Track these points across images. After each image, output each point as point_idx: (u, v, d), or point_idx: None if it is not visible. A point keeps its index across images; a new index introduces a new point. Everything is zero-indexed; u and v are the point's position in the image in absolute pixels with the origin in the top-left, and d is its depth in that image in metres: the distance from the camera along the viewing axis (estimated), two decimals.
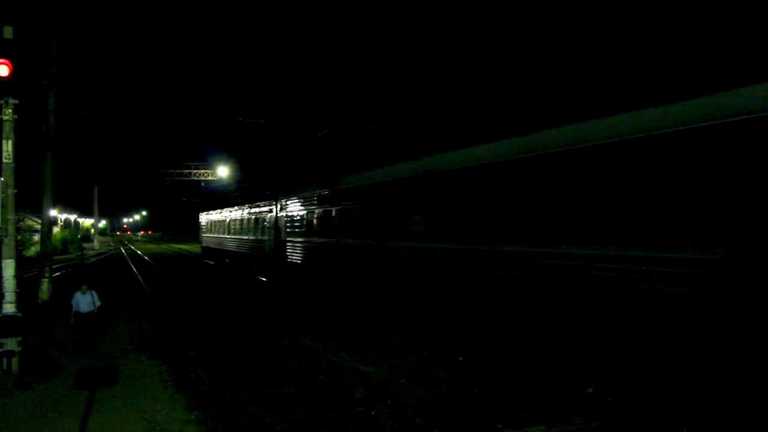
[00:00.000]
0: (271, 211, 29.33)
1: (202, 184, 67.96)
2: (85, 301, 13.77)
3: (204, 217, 53.67)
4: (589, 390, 9.53)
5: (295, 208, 25.14)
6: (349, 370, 11.55)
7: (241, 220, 36.80)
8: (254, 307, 20.04)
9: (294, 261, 25.09)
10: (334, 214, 20.68)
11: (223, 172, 62.99)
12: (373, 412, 8.93)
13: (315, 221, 22.58)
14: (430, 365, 11.74)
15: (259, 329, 15.92)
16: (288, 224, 26.08)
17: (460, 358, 12.12)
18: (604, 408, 8.85)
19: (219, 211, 45.94)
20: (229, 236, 40.98)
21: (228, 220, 41.51)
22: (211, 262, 45.58)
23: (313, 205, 22.71)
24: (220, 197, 59.61)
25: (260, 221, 31.72)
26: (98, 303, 13.97)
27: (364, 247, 18.33)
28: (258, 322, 17.07)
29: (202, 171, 65.84)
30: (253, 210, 33.82)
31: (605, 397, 9.23)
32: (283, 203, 27.12)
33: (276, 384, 10.67)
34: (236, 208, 39.34)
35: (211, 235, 49.07)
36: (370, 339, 14.40)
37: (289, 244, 25.79)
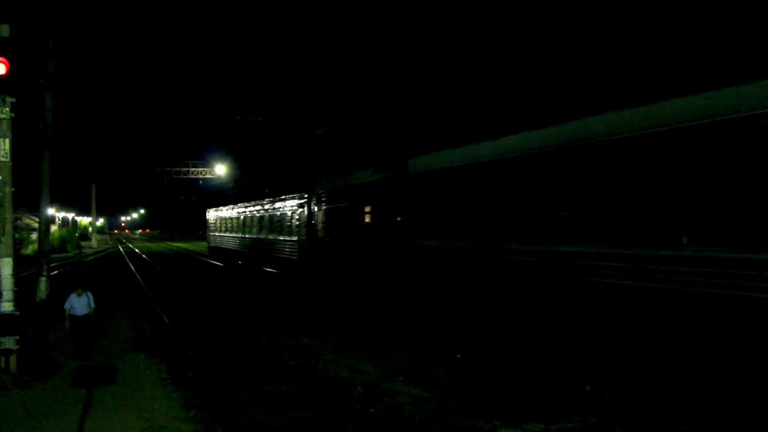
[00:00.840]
0: (302, 206, 25.16)
1: (200, 182, 67.93)
2: (81, 304, 12.99)
3: (212, 214, 48.34)
4: (588, 388, 9.54)
5: (338, 201, 21.03)
6: (346, 368, 11.56)
7: (261, 218, 32.39)
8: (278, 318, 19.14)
9: (337, 265, 21.25)
10: (402, 207, 16.56)
11: (221, 170, 62.97)
12: (371, 410, 8.94)
13: (370, 217, 18.65)
14: (429, 363, 11.77)
15: (276, 335, 15.91)
16: (327, 221, 22.04)
17: (458, 356, 12.13)
18: (603, 405, 8.87)
19: (231, 207, 40.68)
20: (244, 236, 36.46)
21: (243, 218, 36.65)
22: (220, 264, 40.79)
23: (366, 197, 18.76)
24: (231, 192, 53.60)
25: (287, 218, 27.33)
26: (93, 305, 13.22)
27: (461, 251, 14.21)
28: (277, 330, 17.04)
29: (201, 169, 65.82)
30: (277, 204, 29.24)
31: (603, 395, 9.25)
32: (321, 196, 22.76)
33: (274, 382, 10.68)
34: (254, 203, 34.50)
35: (222, 234, 43.88)
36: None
37: (327, 245, 21.90)
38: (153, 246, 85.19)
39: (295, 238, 26.29)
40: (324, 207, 22.34)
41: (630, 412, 8.54)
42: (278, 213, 28.99)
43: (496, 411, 8.80)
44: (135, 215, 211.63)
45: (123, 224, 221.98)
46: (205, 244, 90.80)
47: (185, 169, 65.38)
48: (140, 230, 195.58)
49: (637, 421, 8.19)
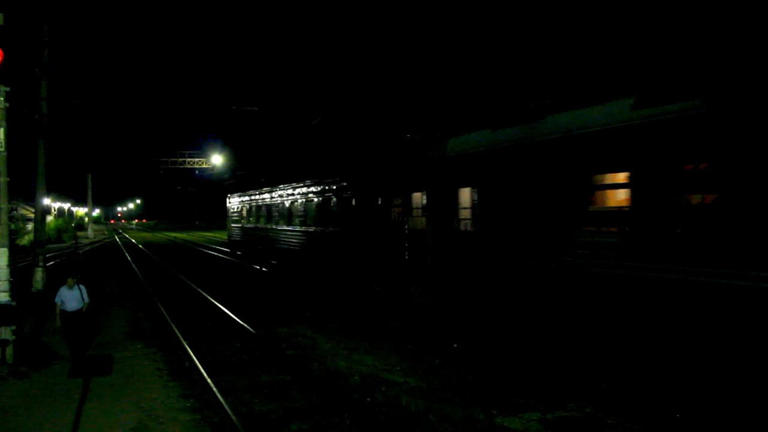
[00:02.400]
0: (417, 184, 15.37)
1: (197, 172, 67.85)
2: (72, 298, 11.68)
3: (236, 201, 36.63)
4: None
5: (514, 170, 11.82)
6: (344, 358, 11.58)
7: (321, 202, 21.76)
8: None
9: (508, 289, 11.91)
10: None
11: (217, 160, 62.88)
12: (368, 400, 8.96)
13: (635, 196, 9.46)
14: (425, 352, 11.79)
15: None
16: (484, 206, 12.75)
17: (455, 345, 12.16)
18: (599, 394, 8.91)
19: (268, 190, 29.33)
20: (293, 228, 25.11)
21: (290, 204, 25.71)
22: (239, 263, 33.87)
23: (609, 157, 9.95)
24: (265, 171, 38.70)
25: (381, 203, 17.33)
26: (87, 299, 11.89)
27: None
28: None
29: (196, 159, 65.69)
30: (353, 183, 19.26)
31: (600, 383, 9.29)
32: (467, 162, 13.29)
33: (271, 372, 10.70)
34: (309, 182, 23.42)
35: (251, 225, 32.50)
36: None
37: (482, 246, 12.75)
38: (149, 236, 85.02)
39: (405, 234, 16.06)
40: (478, 184, 13.00)
41: (626, 400, 8.58)
42: (365, 196, 18.44)
43: (493, 400, 8.83)
44: (131, 205, 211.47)
45: (119, 214, 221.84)
46: (202, 234, 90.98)
47: (181, 159, 65.27)
48: (136, 220, 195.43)
49: (633, 409, 8.23)
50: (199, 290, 20.88)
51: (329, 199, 21.27)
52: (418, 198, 15.50)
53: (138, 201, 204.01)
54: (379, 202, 17.52)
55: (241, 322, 14.85)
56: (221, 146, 62.71)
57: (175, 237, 79.54)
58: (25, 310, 14.25)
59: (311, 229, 23.06)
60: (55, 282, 19.03)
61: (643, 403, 8.45)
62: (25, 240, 46.06)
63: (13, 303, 11.50)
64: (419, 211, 15.44)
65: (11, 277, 11.77)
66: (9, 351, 11.22)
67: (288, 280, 24.33)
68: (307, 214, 23.70)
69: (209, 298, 18.98)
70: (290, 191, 26.18)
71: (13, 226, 37.59)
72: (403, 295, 15.88)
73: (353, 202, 19.22)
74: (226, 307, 17.03)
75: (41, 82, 21.06)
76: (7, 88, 11.92)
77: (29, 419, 8.56)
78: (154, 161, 64.64)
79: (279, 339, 13.29)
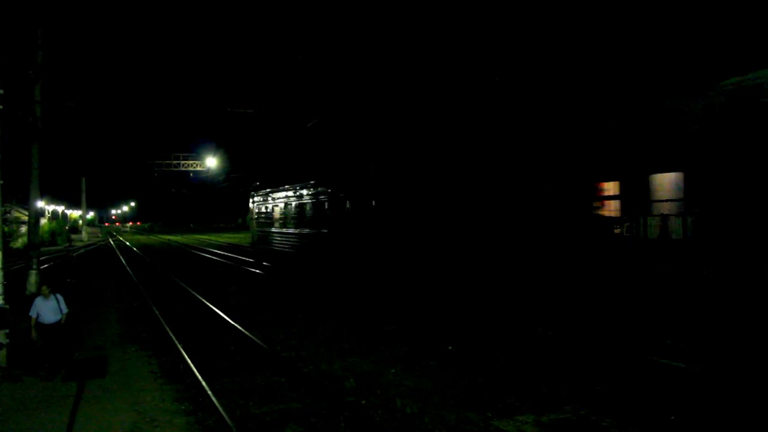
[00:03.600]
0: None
1: (191, 174, 67.64)
2: (48, 309, 11.01)
3: (261, 199, 29.18)
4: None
5: None
6: (339, 360, 11.57)
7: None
8: None
9: None
10: None
11: (212, 162, 62.73)
12: (363, 402, 8.96)
13: None
14: (421, 355, 11.79)
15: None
16: None
17: (450, 348, 12.17)
18: (595, 396, 8.93)
19: (313, 184, 22.77)
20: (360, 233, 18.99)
21: (353, 204, 19.50)
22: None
23: None
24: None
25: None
26: (65, 310, 11.26)
27: None
28: None
29: (191, 162, 65.48)
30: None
31: (595, 386, 9.31)
32: None
33: (266, 374, 10.69)
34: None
35: (287, 229, 25.42)
36: None
37: None
38: (144, 239, 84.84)
39: None
40: None
41: (622, 402, 8.61)
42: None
43: (487, 402, 8.84)
44: (125, 208, 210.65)
45: (113, 217, 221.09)
46: (198, 237, 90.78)
47: (175, 161, 65.03)
48: (130, 223, 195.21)
49: (629, 412, 8.26)
50: (194, 293, 20.83)
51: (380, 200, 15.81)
52: (667, 181, 9.82)
53: (132, 204, 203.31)
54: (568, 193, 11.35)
55: (242, 329, 14.85)
56: (216, 149, 62.55)
57: (169, 240, 79.38)
58: (18, 313, 14.19)
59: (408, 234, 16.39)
60: (49, 285, 18.95)
61: (639, 405, 8.48)
62: (19, 243, 45.91)
63: (7, 306, 11.46)
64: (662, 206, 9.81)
65: (5, 280, 11.72)
66: (2, 354, 11.17)
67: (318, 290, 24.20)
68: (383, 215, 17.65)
69: (204, 301, 18.95)
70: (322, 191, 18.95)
71: (6, 229, 37.45)
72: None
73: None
74: (224, 313, 17.01)
75: (35, 85, 21.01)
76: (1, 91, 11.89)
77: (24, 422, 8.52)
78: (148, 164, 64.35)
79: (273, 342, 13.26)
